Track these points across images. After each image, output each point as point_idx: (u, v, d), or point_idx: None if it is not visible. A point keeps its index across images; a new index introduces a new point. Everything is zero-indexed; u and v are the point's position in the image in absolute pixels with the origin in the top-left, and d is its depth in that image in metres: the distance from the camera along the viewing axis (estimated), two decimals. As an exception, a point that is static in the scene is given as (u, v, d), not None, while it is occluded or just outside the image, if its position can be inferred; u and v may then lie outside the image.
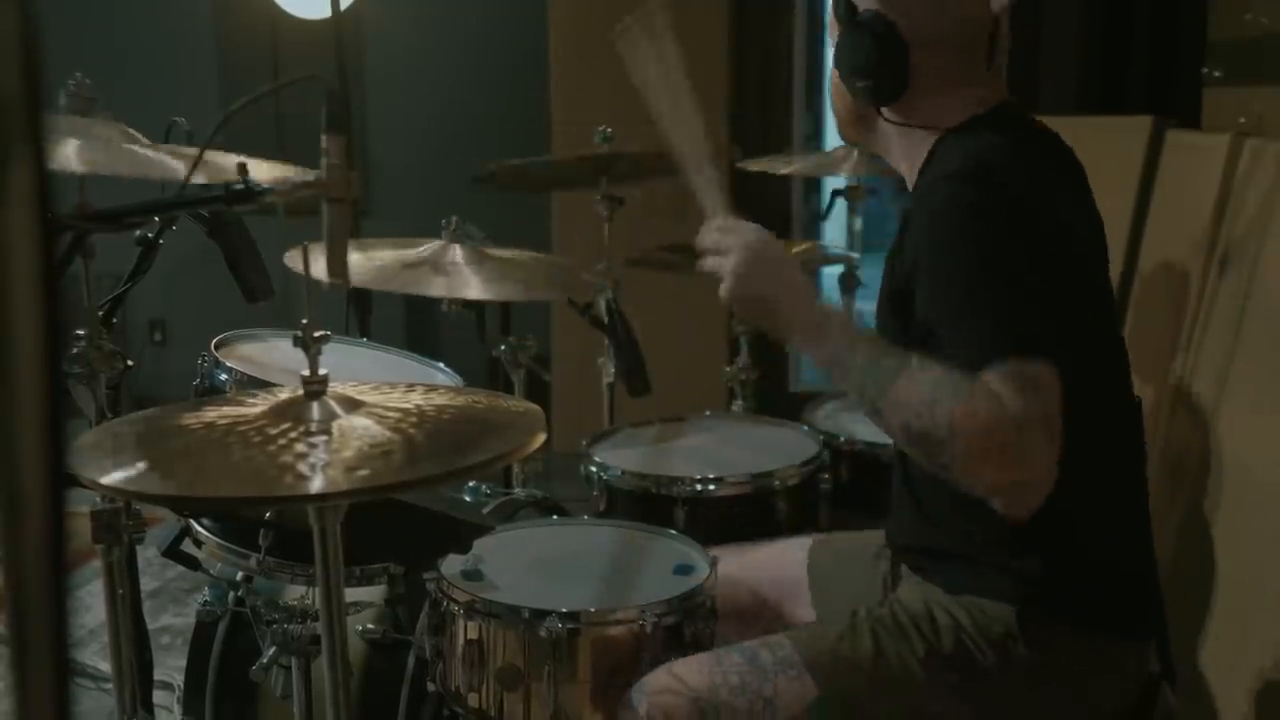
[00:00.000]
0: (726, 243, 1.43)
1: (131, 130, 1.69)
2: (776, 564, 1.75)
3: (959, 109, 1.45)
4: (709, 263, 1.45)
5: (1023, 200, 1.34)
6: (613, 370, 2.53)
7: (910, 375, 1.26)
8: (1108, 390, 1.45)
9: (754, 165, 2.82)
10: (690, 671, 1.45)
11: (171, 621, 2.93)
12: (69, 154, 1.49)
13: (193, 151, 1.57)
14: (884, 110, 1.48)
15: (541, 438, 1.19)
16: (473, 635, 1.55)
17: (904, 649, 1.42)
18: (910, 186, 1.50)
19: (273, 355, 1.82)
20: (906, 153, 1.50)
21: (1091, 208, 1.49)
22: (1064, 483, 1.20)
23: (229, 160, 1.40)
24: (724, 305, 1.44)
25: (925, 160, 1.46)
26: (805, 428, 2.29)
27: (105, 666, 2.13)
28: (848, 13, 1.46)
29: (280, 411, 1.20)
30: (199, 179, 1.35)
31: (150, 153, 1.59)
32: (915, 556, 1.53)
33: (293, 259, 1.49)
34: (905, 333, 1.36)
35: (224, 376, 1.64)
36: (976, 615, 1.41)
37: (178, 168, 1.49)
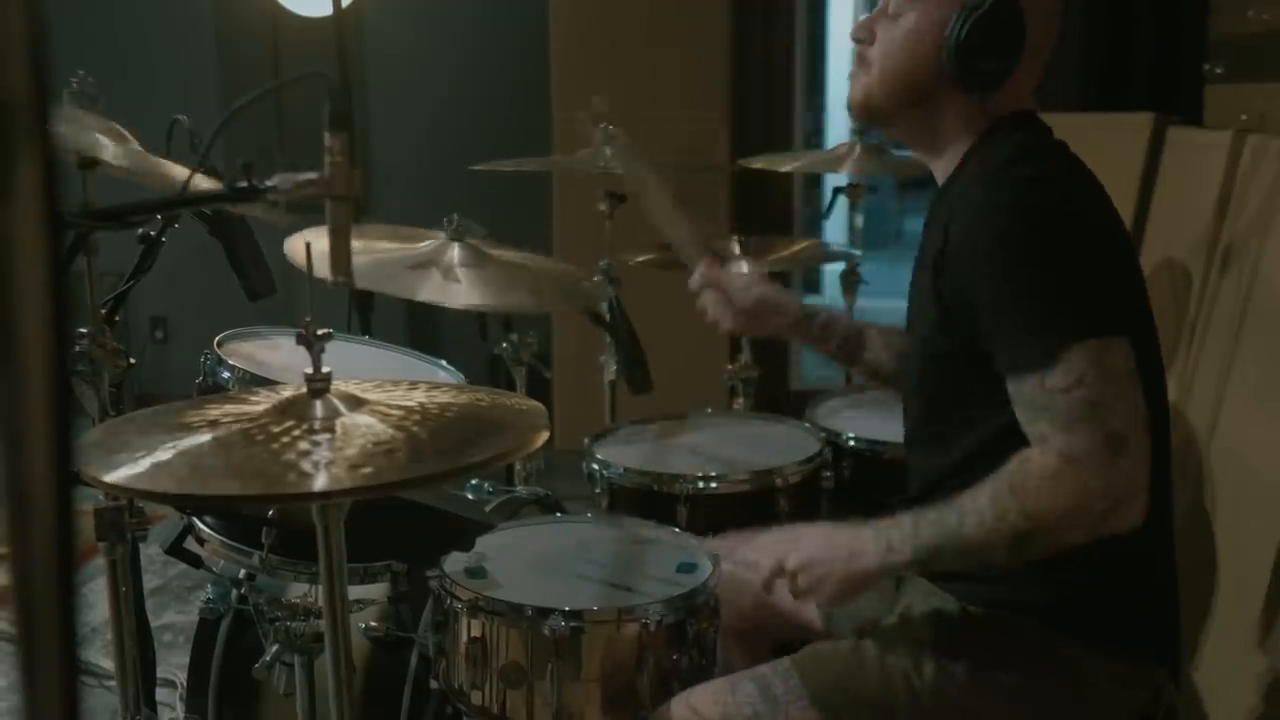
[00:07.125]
0: (790, 556, 1.40)
1: (125, 132, 1.69)
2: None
3: (1014, 103, 1.46)
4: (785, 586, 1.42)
5: (1086, 193, 1.38)
6: (614, 368, 2.53)
7: (970, 509, 1.28)
8: (1151, 394, 1.41)
9: (756, 163, 2.82)
10: (705, 702, 1.46)
11: (174, 619, 2.93)
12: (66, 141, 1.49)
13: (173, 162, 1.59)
14: (972, 95, 1.44)
15: (544, 435, 1.19)
16: (476, 633, 1.55)
17: (913, 674, 1.40)
18: (942, 177, 1.49)
19: (275, 353, 1.82)
20: (954, 139, 1.46)
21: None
22: None
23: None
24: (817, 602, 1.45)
25: (969, 150, 1.45)
26: (807, 425, 2.28)
27: (108, 664, 2.13)
28: None
29: (283, 409, 1.20)
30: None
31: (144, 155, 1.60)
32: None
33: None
34: (945, 334, 1.38)
35: (226, 374, 1.64)
36: (997, 631, 1.39)
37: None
